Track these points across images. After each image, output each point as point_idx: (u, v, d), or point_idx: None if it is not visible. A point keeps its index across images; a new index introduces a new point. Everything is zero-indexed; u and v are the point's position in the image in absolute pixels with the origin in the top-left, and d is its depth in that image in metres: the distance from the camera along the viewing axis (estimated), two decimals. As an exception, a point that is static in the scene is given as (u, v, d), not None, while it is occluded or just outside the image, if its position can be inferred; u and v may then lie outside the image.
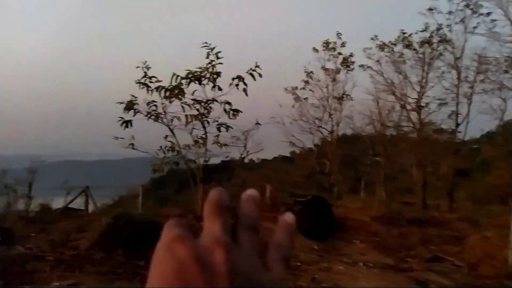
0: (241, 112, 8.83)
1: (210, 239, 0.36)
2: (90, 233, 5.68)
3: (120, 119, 8.42)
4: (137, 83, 8.78)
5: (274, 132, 18.87)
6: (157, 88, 8.50)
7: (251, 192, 0.43)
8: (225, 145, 9.27)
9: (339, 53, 18.12)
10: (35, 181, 14.73)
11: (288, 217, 0.42)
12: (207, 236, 0.37)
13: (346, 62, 18.08)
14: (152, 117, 8.93)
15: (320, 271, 5.78)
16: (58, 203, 12.78)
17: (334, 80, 18.37)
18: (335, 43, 18.04)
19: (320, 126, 18.86)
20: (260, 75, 8.17)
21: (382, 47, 16.60)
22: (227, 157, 10.02)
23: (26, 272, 4.69)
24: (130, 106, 8.45)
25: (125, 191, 15.57)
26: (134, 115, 8.64)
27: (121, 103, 8.67)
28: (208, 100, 8.77)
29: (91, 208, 12.47)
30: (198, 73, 8.48)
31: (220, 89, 8.62)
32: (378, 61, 16.75)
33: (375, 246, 7.59)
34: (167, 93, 8.60)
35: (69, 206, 12.50)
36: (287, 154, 26.34)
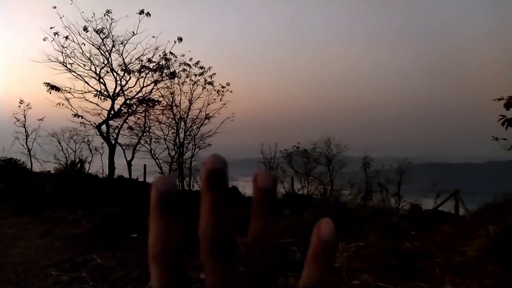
0: None
1: None
2: (477, 241, 5.30)
3: (501, 117, 7.49)
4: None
5: None
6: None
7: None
8: None
9: None
10: (403, 181, 15.87)
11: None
12: None
13: None
14: (542, 112, 7.40)
15: None
16: (426, 205, 13.04)
17: None
18: None
19: None
20: None
21: None
22: None
23: (418, 269, 4.91)
24: (512, 101, 7.36)
25: (494, 197, 13.95)
26: (517, 112, 7.46)
27: (500, 99, 7.72)
28: None
29: (461, 212, 11.93)
30: None
31: None
32: None
33: None
34: None
35: (439, 209, 12.47)
36: None
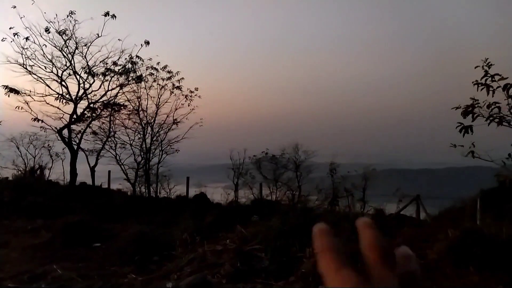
0: None
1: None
2: (437, 245, 5.50)
3: (459, 124, 7.86)
4: (475, 84, 7.97)
5: None
6: (504, 87, 7.37)
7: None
8: None
9: None
10: (368, 187, 16.30)
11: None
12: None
13: None
14: (496, 120, 7.84)
15: None
16: (389, 209, 13.44)
17: None
18: None
19: None
20: None
21: None
22: None
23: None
24: (469, 110, 7.75)
25: (453, 202, 14.60)
26: (473, 120, 7.86)
27: (458, 108, 8.11)
28: None
29: (422, 216, 12.39)
30: None
31: None
32: None
33: None
34: (516, 91, 7.30)
35: (401, 213, 12.89)
36: None
